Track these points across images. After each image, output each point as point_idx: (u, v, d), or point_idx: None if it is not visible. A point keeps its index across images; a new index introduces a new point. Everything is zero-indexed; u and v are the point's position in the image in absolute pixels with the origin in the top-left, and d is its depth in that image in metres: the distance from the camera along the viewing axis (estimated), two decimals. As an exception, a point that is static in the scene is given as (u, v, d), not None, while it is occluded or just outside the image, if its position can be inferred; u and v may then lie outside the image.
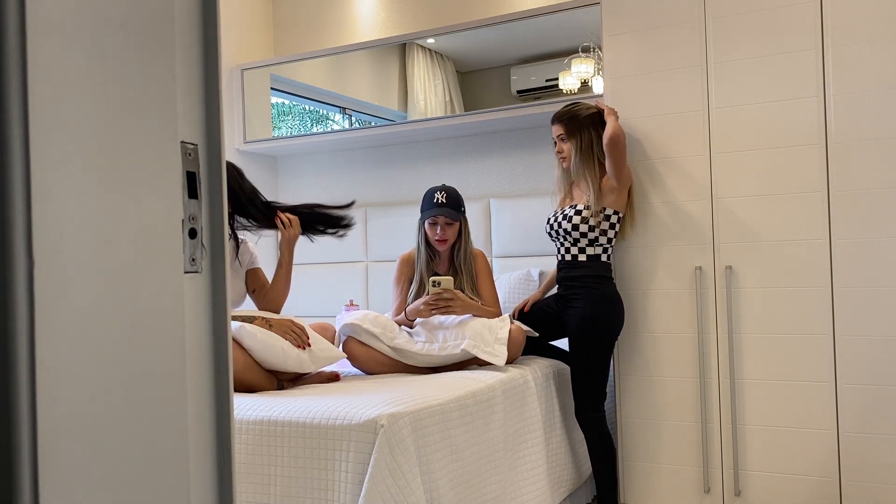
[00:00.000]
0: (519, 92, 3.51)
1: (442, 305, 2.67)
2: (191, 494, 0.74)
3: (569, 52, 3.32)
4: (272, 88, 4.04)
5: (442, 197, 2.81)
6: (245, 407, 2.03)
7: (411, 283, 2.89)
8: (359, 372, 2.72)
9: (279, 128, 4.22)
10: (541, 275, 3.37)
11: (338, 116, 4.21)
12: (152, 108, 0.71)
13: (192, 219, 0.76)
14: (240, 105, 3.99)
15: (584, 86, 3.32)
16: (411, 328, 2.78)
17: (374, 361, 2.66)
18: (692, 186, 2.65)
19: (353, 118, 4.11)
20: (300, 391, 2.28)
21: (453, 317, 2.70)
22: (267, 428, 1.94)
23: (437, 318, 2.71)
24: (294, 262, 4.14)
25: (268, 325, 2.33)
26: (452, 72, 3.69)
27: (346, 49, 3.77)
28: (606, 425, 2.66)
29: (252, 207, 2.47)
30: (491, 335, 2.60)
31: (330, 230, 2.61)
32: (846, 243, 2.42)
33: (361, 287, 3.94)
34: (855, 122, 2.41)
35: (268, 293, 2.60)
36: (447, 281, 2.67)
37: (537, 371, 2.66)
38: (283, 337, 2.31)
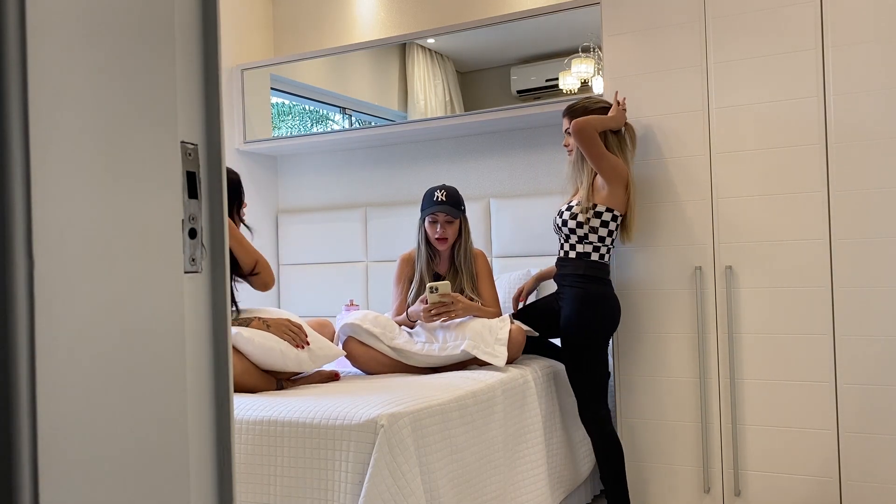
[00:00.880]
0: (519, 92, 3.51)
1: (443, 312, 2.67)
2: (191, 494, 0.74)
3: (569, 52, 3.32)
4: (272, 88, 4.04)
5: (442, 195, 2.81)
6: (245, 407, 2.03)
7: (411, 282, 2.89)
8: (359, 372, 2.72)
9: (279, 128, 4.22)
10: (540, 274, 3.37)
11: (338, 116, 4.21)
12: (152, 108, 0.71)
13: (192, 219, 0.76)
14: (240, 105, 3.99)
15: (584, 86, 3.32)
16: (411, 328, 2.79)
17: (374, 361, 2.66)
18: (692, 186, 2.65)
19: (353, 118, 4.11)
20: (300, 391, 2.29)
21: (453, 317, 2.71)
22: (267, 428, 1.94)
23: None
24: (293, 262, 4.15)
25: (265, 325, 2.33)
26: (452, 72, 3.69)
27: (346, 49, 3.77)
28: (609, 426, 2.59)
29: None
30: (491, 336, 2.60)
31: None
32: (846, 243, 2.42)
33: (361, 287, 3.94)
34: (855, 122, 2.41)
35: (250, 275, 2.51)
36: (444, 286, 2.65)
37: (537, 371, 2.66)
38: (282, 337, 2.31)
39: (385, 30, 3.98)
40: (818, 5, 2.46)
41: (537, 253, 3.46)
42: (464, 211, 2.88)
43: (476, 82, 3.68)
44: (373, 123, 3.94)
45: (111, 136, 0.67)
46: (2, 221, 0.59)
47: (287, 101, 4.23)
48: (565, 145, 2.72)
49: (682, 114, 2.66)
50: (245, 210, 2.58)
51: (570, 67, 3.33)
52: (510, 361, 2.65)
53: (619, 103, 2.63)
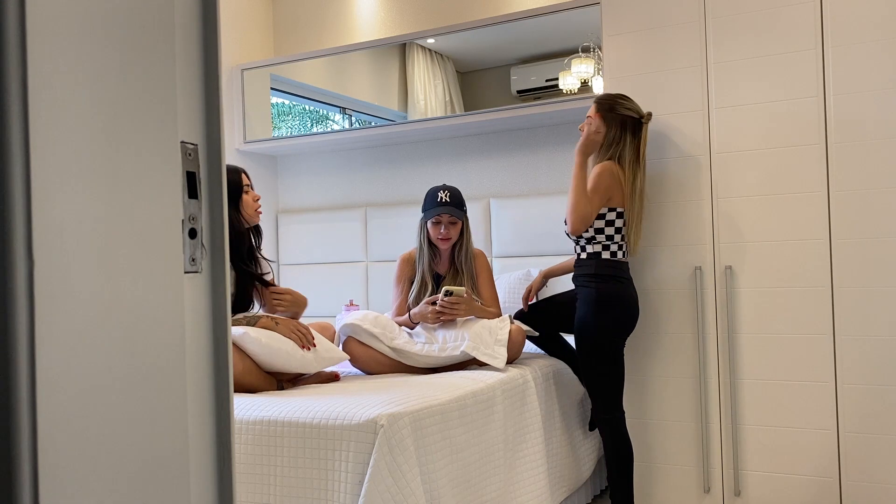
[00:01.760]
0: (519, 92, 3.51)
1: (450, 312, 2.67)
2: (191, 494, 0.74)
3: (569, 52, 3.32)
4: (272, 88, 4.04)
5: (445, 196, 2.81)
6: (245, 407, 2.03)
7: (412, 283, 2.88)
8: (359, 372, 2.72)
9: (279, 128, 4.23)
10: (541, 275, 3.37)
11: (338, 116, 4.21)
12: (152, 108, 0.71)
13: (192, 219, 0.76)
14: (240, 105, 3.99)
15: (584, 86, 3.32)
16: (412, 329, 2.78)
17: (374, 361, 2.66)
18: (692, 186, 2.65)
19: (353, 118, 4.11)
20: (300, 391, 2.29)
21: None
22: (267, 428, 1.94)
23: (438, 320, 2.72)
24: (293, 262, 4.15)
25: (274, 323, 2.33)
26: (452, 72, 3.69)
27: (346, 49, 3.77)
28: (623, 429, 2.56)
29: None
30: (491, 337, 2.59)
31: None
32: (846, 243, 2.42)
33: (361, 287, 3.94)
34: (855, 122, 2.41)
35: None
36: (460, 291, 2.66)
37: (537, 371, 2.66)
38: (289, 337, 2.31)
39: (385, 30, 3.98)
40: (818, 5, 2.46)
41: (537, 253, 3.46)
42: (466, 211, 2.88)
43: (476, 82, 3.68)
44: (373, 123, 3.94)
45: (111, 136, 0.67)
46: (2, 221, 0.59)
47: (287, 101, 4.23)
48: (580, 129, 2.65)
49: (682, 114, 2.66)
50: (259, 204, 2.56)
51: (570, 67, 3.33)
52: (510, 361, 2.65)
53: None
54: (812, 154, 2.47)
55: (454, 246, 2.87)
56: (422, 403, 1.98)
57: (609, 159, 2.56)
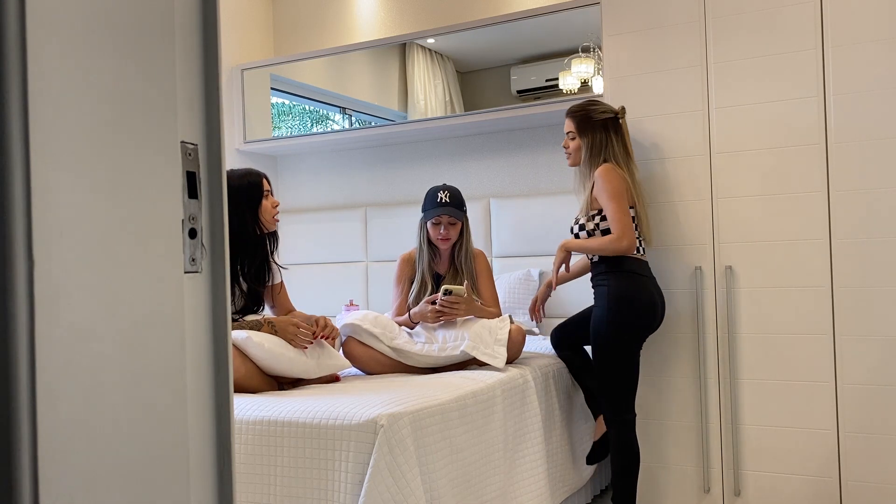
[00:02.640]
0: (519, 92, 3.51)
1: (449, 311, 2.67)
2: (191, 494, 0.74)
3: (569, 52, 3.32)
4: (272, 88, 4.04)
5: (445, 196, 2.80)
6: (245, 407, 2.03)
7: (412, 282, 2.88)
8: (359, 372, 2.72)
9: (279, 128, 4.23)
10: (541, 275, 3.37)
11: (338, 116, 4.21)
12: (152, 108, 0.71)
13: (192, 219, 0.76)
14: (240, 105, 3.99)
15: (584, 86, 3.32)
16: (412, 329, 2.78)
17: (374, 361, 2.66)
18: (692, 186, 2.65)
19: (353, 118, 4.11)
20: (300, 391, 2.28)
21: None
22: (267, 428, 1.94)
23: (438, 320, 2.72)
24: (293, 262, 4.15)
25: (273, 329, 2.32)
26: (452, 72, 3.69)
27: (346, 49, 3.77)
28: (633, 433, 2.54)
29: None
30: (490, 336, 2.59)
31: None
32: (846, 243, 2.42)
33: (361, 287, 3.94)
34: (855, 122, 2.41)
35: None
36: (459, 290, 2.66)
37: (537, 371, 2.66)
38: (291, 343, 2.31)
39: (385, 30, 3.98)
40: (818, 5, 2.46)
41: (537, 253, 3.46)
42: (466, 211, 2.88)
43: (476, 82, 3.68)
44: (373, 123, 3.94)
45: (111, 136, 0.67)
46: (2, 221, 0.59)
47: (287, 101, 4.23)
48: (564, 147, 2.67)
49: (682, 114, 2.66)
50: (278, 210, 2.53)
51: (570, 67, 3.33)
52: (510, 361, 2.65)
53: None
54: (812, 154, 2.47)
55: (454, 246, 2.87)
56: (422, 403, 1.98)
57: (604, 162, 2.55)
